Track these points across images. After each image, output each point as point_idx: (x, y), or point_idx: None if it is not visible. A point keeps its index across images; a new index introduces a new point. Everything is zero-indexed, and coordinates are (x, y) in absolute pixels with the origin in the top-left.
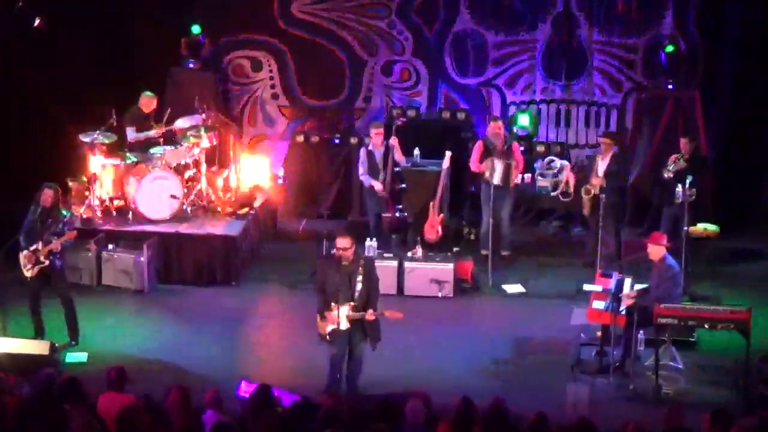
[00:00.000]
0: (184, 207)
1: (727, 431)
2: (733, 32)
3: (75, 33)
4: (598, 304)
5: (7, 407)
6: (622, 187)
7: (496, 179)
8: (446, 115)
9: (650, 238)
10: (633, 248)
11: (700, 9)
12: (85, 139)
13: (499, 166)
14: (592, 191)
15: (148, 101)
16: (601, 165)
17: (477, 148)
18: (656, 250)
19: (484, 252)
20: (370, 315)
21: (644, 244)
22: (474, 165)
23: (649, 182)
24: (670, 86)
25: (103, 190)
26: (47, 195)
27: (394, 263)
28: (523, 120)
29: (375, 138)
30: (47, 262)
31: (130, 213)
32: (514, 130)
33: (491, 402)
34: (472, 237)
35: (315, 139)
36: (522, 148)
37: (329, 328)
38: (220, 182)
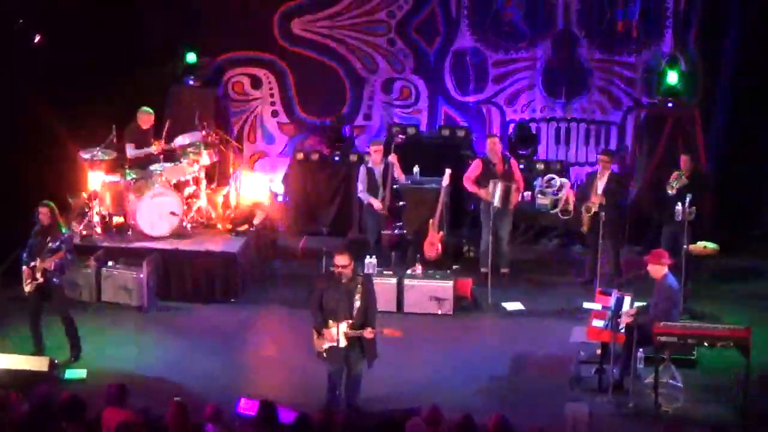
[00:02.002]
0: (184, 224)
1: None
2: (733, 50)
3: (75, 50)
4: (598, 322)
5: (7, 424)
6: (621, 205)
7: (497, 201)
8: (446, 132)
9: (650, 256)
10: (633, 266)
11: (700, 27)
12: (85, 155)
13: (499, 187)
14: (593, 209)
15: (146, 118)
16: (600, 183)
17: (475, 165)
18: (657, 269)
19: (483, 270)
20: (368, 333)
21: (644, 263)
22: (468, 182)
23: (649, 200)
24: (669, 104)
25: (103, 206)
26: (43, 213)
27: (394, 280)
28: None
29: (374, 155)
30: (42, 280)
31: (130, 230)
32: (514, 144)
33: (494, 419)
34: (472, 254)
35: (315, 156)
36: (521, 166)
37: (326, 345)
38: (219, 199)
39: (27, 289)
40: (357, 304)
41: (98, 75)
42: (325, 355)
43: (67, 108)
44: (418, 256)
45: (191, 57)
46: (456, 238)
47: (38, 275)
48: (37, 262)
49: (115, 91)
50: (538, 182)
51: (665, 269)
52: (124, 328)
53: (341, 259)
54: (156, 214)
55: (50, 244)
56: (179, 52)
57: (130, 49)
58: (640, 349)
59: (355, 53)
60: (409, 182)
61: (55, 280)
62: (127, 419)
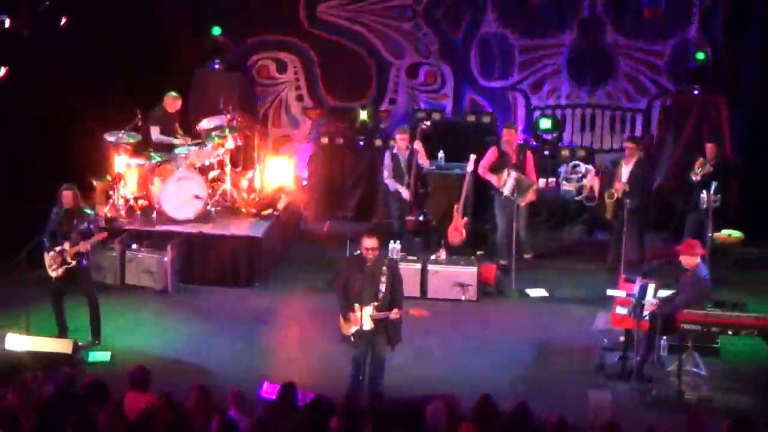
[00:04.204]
0: (209, 207)
1: None
2: (759, 38)
3: (101, 33)
4: (622, 309)
5: (31, 406)
6: (645, 192)
7: (507, 191)
8: (471, 118)
9: (684, 246)
10: (657, 254)
11: (727, 15)
12: (110, 138)
13: (512, 177)
14: (616, 195)
15: (172, 101)
16: (625, 170)
17: (491, 153)
18: (690, 260)
19: (502, 262)
20: (394, 314)
21: (676, 252)
22: (482, 169)
23: (673, 188)
24: (695, 92)
25: (128, 189)
26: (67, 196)
27: (418, 266)
28: (545, 124)
29: (400, 142)
30: (74, 263)
31: (155, 213)
32: (539, 134)
33: (515, 405)
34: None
35: (339, 140)
36: (546, 152)
37: (353, 329)
38: (244, 183)
39: (53, 274)
40: (382, 287)
41: (123, 57)
42: (351, 339)
43: (92, 90)
44: (443, 241)
45: (216, 30)
46: (480, 224)
47: (69, 258)
48: (66, 246)
49: (140, 74)
50: (563, 169)
51: (698, 259)
52: (148, 312)
53: (370, 242)
54: (181, 198)
55: (79, 227)
56: (205, 31)
57: (156, 31)
58: (664, 337)
59: (381, 38)
60: (434, 168)
61: (84, 262)
62: (149, 403)
